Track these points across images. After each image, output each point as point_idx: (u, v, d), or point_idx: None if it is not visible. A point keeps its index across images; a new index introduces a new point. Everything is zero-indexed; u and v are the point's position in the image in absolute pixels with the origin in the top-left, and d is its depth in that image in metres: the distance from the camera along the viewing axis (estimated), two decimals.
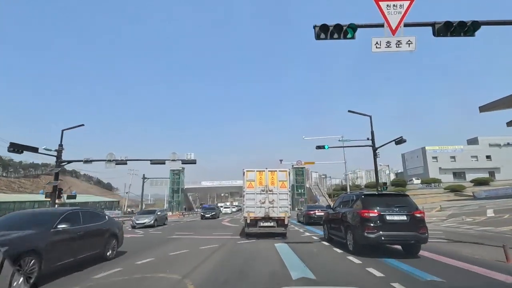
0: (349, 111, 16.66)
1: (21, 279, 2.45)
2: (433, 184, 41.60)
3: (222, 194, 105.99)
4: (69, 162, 19.47)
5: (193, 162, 19.37)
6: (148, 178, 38.04)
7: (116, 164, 19.01)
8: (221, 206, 49.12)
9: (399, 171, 64.61)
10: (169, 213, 43.17)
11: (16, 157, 70.01)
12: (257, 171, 9.12)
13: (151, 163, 19.07)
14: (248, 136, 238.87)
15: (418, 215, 5.75)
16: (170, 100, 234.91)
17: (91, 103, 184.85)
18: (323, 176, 63.43)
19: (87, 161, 19.11)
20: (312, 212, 14.48)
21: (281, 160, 26.77)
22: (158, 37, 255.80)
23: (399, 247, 6.23)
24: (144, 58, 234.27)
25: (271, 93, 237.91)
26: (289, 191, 9.20)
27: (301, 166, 57.74)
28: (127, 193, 48.38)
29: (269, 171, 9.11)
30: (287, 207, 8.88)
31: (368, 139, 16.58)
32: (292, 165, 57.90)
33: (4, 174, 72.27)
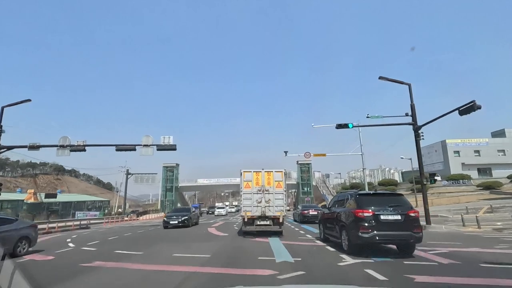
0: (380, 77, 13.00)
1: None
2: (461, 180, 36.37)
3: (222, 194, 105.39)
4: (9, 148, 15.14)
5: (172, 148, 15.99)
6: (133, 174, 33.56)
7: (71, 150, 15.14)
8: (215, 206, 44.52)
9: (403, 170, 60.12)
10: (158, 214, 38.32)
11: (14, 156, 71.83)
12: (254, 171, 9.79)
13: (116, 150, 15.15)
14: (250, 135, 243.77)
15: (412, 214, 5.92)
16: (170, 98, 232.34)
17: (92, 102, 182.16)
18: (326, 176, 58.22)
19: (33, 147, 14.79)
20: (306, 212, 16.39)
21: (286, 152, 21.09)
22: (156, 34, 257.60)
23: (394, 246, 6.49)
24: (143, 55, 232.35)
25: (272, 92, 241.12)
26: (285, 191, 9.90)
27: (307, 161, 53.16)
28: (117, 192, 44.09)
29: (265, 171, 9.75)
30: (283, 206, 9.60)
31: (407, 114, 12.87)
32: (297, 161, 53.91)
33: (0, 174, 74.70)
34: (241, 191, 9.79)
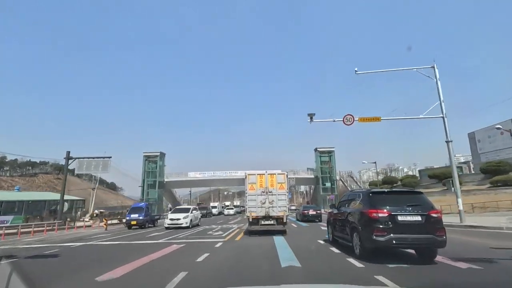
0: None
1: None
2: None
3: (226, 193, 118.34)
4: None
5: None
6: (75, 158, 29.54)
7: None
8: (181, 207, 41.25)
9: (420, 168, 61.11)
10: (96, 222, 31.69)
11: (10, 155, 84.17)
12: (257, 174, 13.35)
13: None
14: (253, 135, 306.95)
15: (434, 215, 6.67)
16: (169, 99, 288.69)
17: (96, 104, 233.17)
18: (349, 174, 57.91)
19: None
20: (306, 212, 23.38)
21: (311, 117, 19.52)
22: (159, 34, 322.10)
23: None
24: (144, 55, 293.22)
25: (275, 92, 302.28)
26: (287, 192, 13.72)
27: (328, 149, 52.86)
28: (93, 189, 46.31)
29: (268, 174, 13.30)
30: (286, 206, 13.25)
31: None
32: (316, 148, 54.12)
33: None
34: (246, 193, 13.45)
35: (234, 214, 45.25)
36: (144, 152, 55.29)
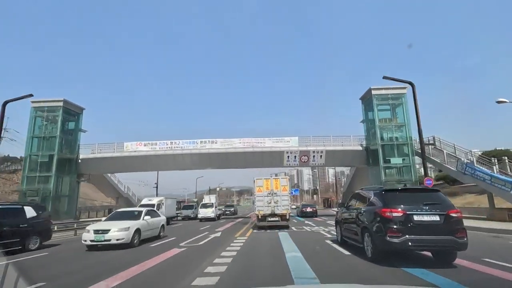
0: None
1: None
2: None
3: (219, 189, 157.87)
4: None
5: None
6: None
7: None
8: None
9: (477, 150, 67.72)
10: None
11: None
12: (264, 179, 35.17)
13: None
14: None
15: (454, 214, 10.93)
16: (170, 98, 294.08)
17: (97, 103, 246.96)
18: (434, 142, 47.55)
19: None
20: (304, 209, 65.20)
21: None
22: (162, 35, 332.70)
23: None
24: (159, 59, 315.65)
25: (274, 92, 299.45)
26: (289, 193, 36.71)
27: (393, 91, 49.80)
28: None
29: (273, 178, 35.63)
30: (288, 205, 34.69)
31: None
32: (369, 90, 50.90)
33: None
34: (254, 195, 34.72)
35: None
36: (32, 100, 51.52)
